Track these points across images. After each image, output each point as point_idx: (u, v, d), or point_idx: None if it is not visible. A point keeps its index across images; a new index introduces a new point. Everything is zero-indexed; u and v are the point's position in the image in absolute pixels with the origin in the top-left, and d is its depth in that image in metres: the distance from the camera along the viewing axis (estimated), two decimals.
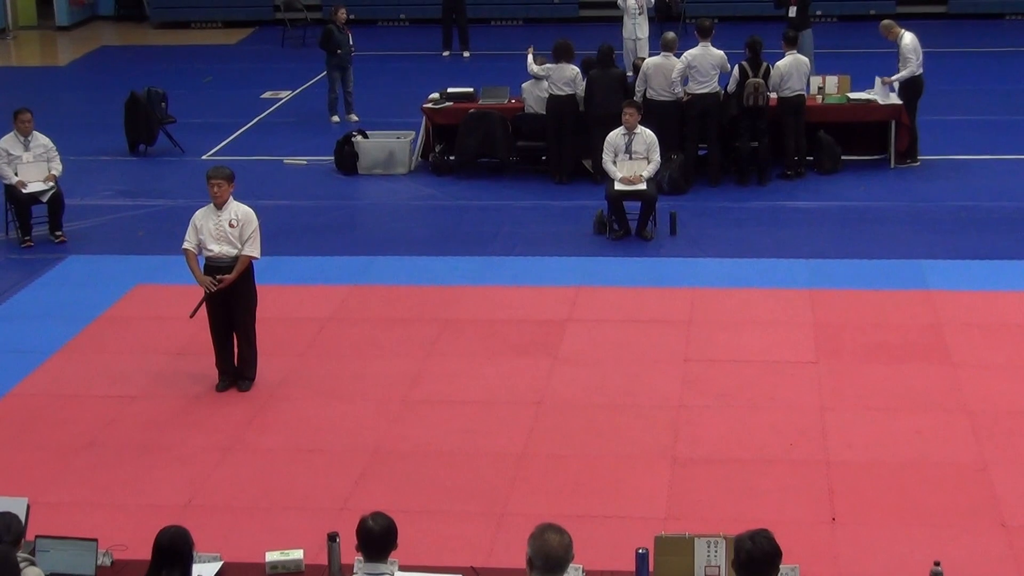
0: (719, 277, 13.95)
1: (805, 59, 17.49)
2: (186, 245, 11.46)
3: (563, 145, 17.32)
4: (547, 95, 17.29)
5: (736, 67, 16.93)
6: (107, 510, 9.65)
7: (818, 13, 25.24)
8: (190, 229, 11.45)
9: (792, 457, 10.18)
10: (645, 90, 17.07)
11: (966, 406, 10.90)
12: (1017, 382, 11.31)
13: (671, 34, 17.66)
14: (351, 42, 20.22)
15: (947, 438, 10.40)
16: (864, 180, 17.22)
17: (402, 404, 11.27)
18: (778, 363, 11.81)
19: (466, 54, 23.32)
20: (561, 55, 17.22)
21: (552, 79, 17.16)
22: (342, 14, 20.34)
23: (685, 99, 17.09)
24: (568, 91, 17.16)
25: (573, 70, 17.19)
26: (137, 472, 10.24)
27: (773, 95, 17.05)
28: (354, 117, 19.31)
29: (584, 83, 17.20)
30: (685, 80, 17.09)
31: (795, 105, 17.12)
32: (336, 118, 20.33)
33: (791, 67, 17.06)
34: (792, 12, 21.02)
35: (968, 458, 10.08)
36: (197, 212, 11.54)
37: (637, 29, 20.90)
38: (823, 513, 9.39)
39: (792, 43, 17.40)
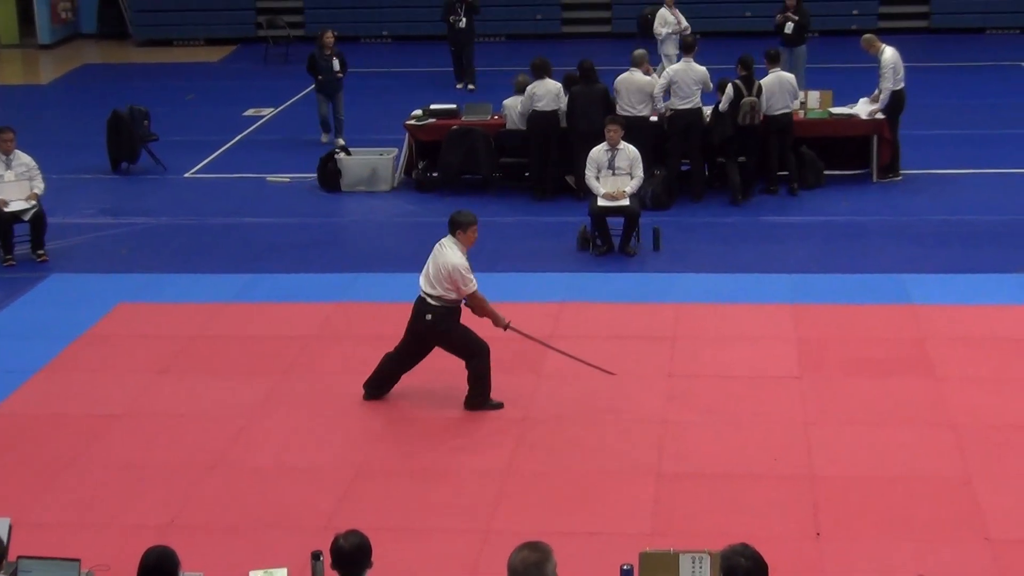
0: (703, 292, 13.95)
1: (790, 76, 17.50)
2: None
3: (547, 161, 17.33)
4: (530, 112, 17.26)
5: (730, 85, 16.88)
6: (90, 530, 9.60)
7: None
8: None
9: (777, 472, 10.17)
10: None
11: (950, 420, 10.90)
12: (1001, 396, 11.33)
13: (641, 50, 17.66)
14: (337, 67, 19.86)
15: (931, 452, 10.41)
16: (847, 195, 17.27)
17: (386, 421, 11.24)
18: (762, 378, 11.81)
19: (471, 87, 23.36)
20: (541, 72, 17.21)
21: (536, 95, 17.14)
22: (327, 38, 20.09)
23: (668, 115, 17.10)
24: (552, 107, 17.16)
25: (556, 85, 17.22)
26: (120, 491, 10.19)
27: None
28: (340, 141, 19.18)
29: (567, 98, 17.20)
30: (667, 96, 17.11)
31: (781, 123, 17.12)
32: (325, 137, 20.15)
33: (774, 84, 17.06)
34: (789, 29, 21.10)
35: (952, 472, 10.08)
36: None
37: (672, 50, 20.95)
38: (808, 528, 9.38)
39: (775, 60, 17.42)
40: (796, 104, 17.41)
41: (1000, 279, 14.10)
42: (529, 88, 17.22)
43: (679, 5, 21.78)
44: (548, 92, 17.13)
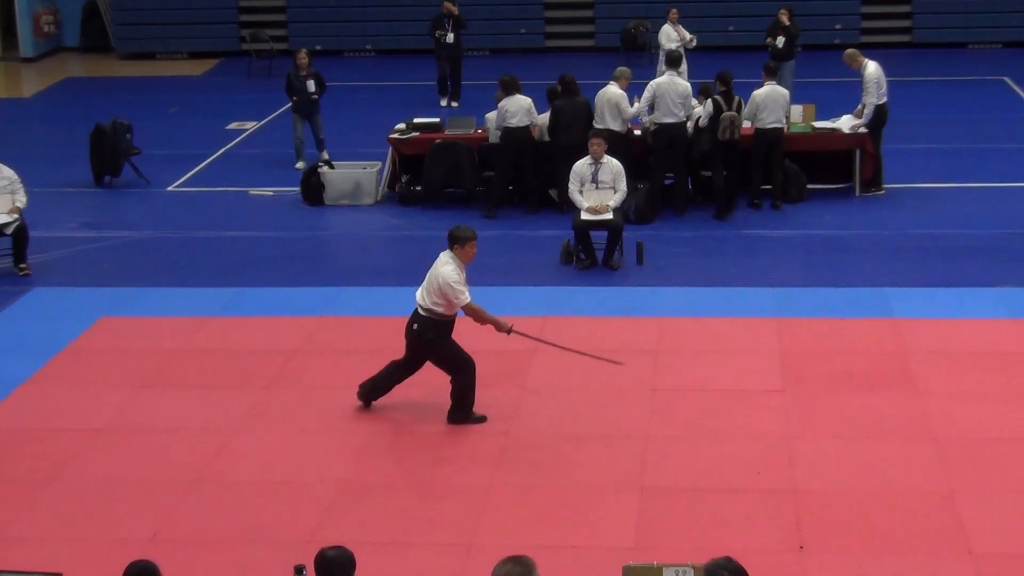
0: (686, 306, 13.96)
1: (784, 90, 17.44)
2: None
3: (524, 176, 17.35)
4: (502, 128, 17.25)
5: (709, 101, 16.88)
6: (71, 545, 9.55)
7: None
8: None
9: (759, 486, 10.17)
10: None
11: (932, 434, 10.92)
12: (983, 410, 11.34)
13: (624, 68, 17.63)
14: (313, 87, 19.47)
15: (914, 466, 10.41)
16: (829, 209, 17.30)
17: (369, 436, 11.21)
18: (745, 392, 11.81)
19: (455, 104, 23.39)
20: (511, 88, 17.21)
21: (508, 112, 17.14)
22: (301, 58, 19.73)
23: (651, 129, 17.11)
24: (524, 122, 17.17)
25: (527, 101, 17.20)
26: (102, 506, 10.15)
27: (748, 124, 17.06)
28: (324, 155, 19.09)
29: (547, 113, 17.21)
30: (651, 110, 17.13)
31: (771, 137, 17.08)
32: (301, 164, 19.55)
33: (767, 97, 17.03)
34: (780, 43, 21.13)
35: (935, 486, 10.09)
36: None
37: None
38: (791, 542, 9.37)
39: (772, 73, 17.38)
40: (789, 120, 17.38)
41: (982, 293, 14.13)
42: (500, 105, 17.21)
43: (662, 20, 21.90)
44: (520, 108, 17.12)
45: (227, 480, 10.53)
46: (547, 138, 17.27)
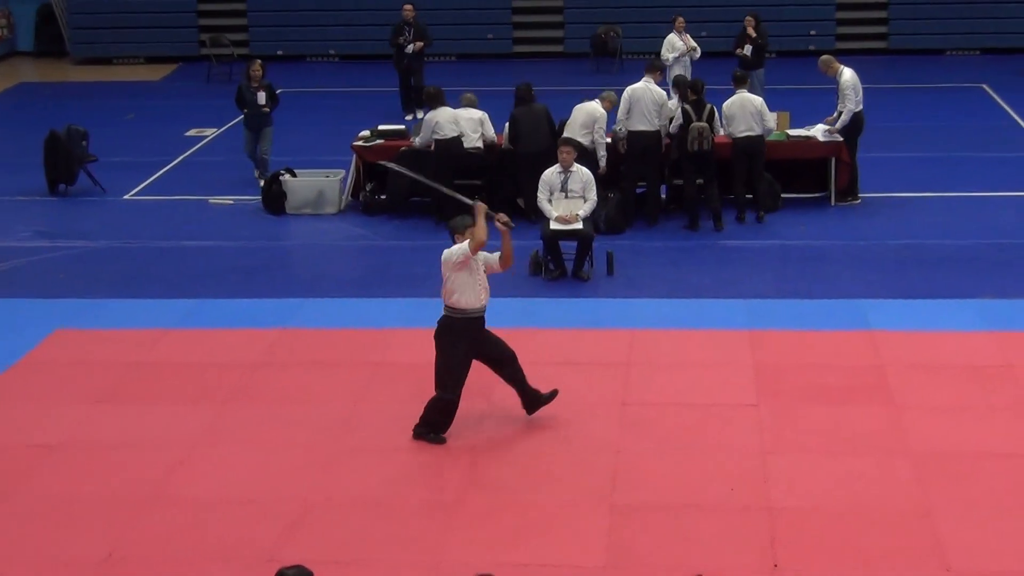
0: (657, 318, 13.88)
1: (756, 98, 17.15)
2: None
3: (449, 186, 17.21)
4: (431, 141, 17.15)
5: (679, 110, 16.72)
6: (22, 566, 9.41)
7: None
8: None
9: (733, 503, 10.10)
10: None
11: (909, 449, 10.86)
12: (960, 424, 11.31)
13: (611, 93, 17.24)
14: (263, 100, 18.99)
15: (890, 482, 10.36)
16: (804, 218, 17.24)
17: (332, 452, 11.09)
18: (718, 406, 11.74)
19: (420, 114, 23.14)
20: (435, 100, 17.21)
21: (437, 124, 16.99)
22: (255, 69, 19.20)
23: (623, 136, 16.94)
24: (454, 133, 17.02)
25: (453, 112, 17.17)
26: (54, 525, 9.99)
27: (722, 132, 16.91)
28: (261, 182, 18.57)
29: (508, 122, 17.15)
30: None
31: (746, 147, 16.87)
32: (260, 173, 19.25)
33: (735, 106, 16.86)
34: (747, 51, 20.96)
35: (911, 502, 10.04)
36: None
37: (687, 74, 20.58)
38: (765, 560, 9.30)
39: (741, 82, 17.15)
40: (771, 126, 17.08)
41: (960, 305, 14.09)
42: (428, 117, 17.19)
43: (648, 25, 21.51)
44: (447, 120, 17.05)
45: (185, 497, 10.39)
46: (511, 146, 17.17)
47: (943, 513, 9.83)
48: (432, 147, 17.12)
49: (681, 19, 21.66)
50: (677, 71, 20.51)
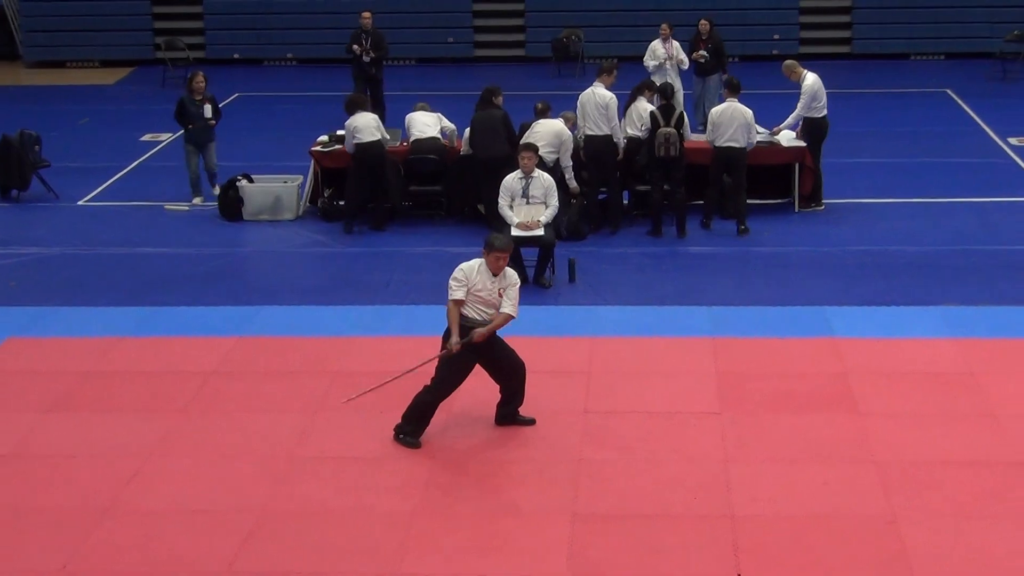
0: (619, 325, 13.84)
1: (747, 110, 16.80)
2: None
3: (378, 192, 17.27)
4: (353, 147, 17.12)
5: (648, 115, 16.63)
6: None
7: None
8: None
9: (696, 512, 10.06)
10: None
11: (874, 456, 10.84)
12: (924, 431, 11.29)
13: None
14: (209, 113, 18.63)
15: (855, 490, 10.33)
16: (768, 225, 17.20)
17: (290, 461, 10.98)
18: (680, 414, 11.69)
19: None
20: (355, 107, 17.22)
21: (356, 128, 16.96)
22: (198, 82, 18.77)
23: (582, 141, 16.85)
24: (375, 137, 17.00)
25: (373, 117, 17.20)
26: (6, 537, 9.86)
27: (703, 138, 16.84)
28: (216, 190, 18.37)
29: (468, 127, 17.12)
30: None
31: (727, 158, 16.71)
32: (199, 199, 18.74)
33: (723, 115, 16.68)
34: (703, 56, 20.76)
35: (876, 510, 10.02)
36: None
37: (674, 82, 20.29)
38: (728, 569, 9.26)
39: (734, 90, 16.92)
40: (755, 140, 16.87)
41: (923, 312, 14.10)
42: (348, 123, 17.14)
43: (610, 29, 21.27)
44: (367, 125, 17.05)
45: (140, 509, 10.28)
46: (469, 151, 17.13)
47: (908, 521, 9.80)
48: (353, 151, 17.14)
49: (666, 26, 20.97)
50: (660, 79, 19.71)
